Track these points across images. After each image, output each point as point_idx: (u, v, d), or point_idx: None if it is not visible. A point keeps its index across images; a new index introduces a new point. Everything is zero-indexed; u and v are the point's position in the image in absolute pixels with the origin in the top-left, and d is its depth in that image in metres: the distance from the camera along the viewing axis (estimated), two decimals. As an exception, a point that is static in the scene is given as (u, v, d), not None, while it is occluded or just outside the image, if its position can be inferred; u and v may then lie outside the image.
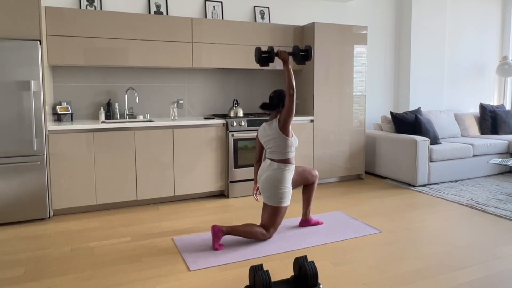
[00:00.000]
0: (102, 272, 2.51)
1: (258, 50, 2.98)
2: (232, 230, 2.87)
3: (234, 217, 3.60)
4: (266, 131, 2.99)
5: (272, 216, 2.94)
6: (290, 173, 2.97)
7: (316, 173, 3.27)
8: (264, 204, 3.00)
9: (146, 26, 3.97)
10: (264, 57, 2.98)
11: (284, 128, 2.90)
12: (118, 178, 3.77)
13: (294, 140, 2.97)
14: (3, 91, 3.27)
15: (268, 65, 3.06)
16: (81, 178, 3.64)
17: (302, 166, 3.23)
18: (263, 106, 2.98)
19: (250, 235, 2.91)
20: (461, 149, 4.86)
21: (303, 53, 2.97)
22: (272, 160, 2.97)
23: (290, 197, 3.00)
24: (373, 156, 5.20)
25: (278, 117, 2.96)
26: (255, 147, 3.28)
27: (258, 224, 3.10)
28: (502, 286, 2.31)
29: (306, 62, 3.12)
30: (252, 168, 4.27)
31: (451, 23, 6.19)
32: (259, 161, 3.17)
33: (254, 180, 3.20)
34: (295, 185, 3.13)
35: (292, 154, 2.97)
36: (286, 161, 2.95)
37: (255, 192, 3.20)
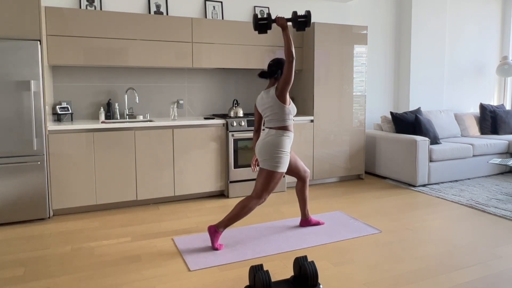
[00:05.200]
0: (102, 272, 2.51)
1: (255, 17, 2.90)
2: (228, 221, 2.85)
3: (234, 217, 3.60)
4: (263, 100, 2.93)
5: (267, 180, 2.86)
6: (288, 140, 2.90)
7: (308, 171, 3.27)
8: (260, 169, 2.92)
9: (146, 26, 3.97)
10: (261, 24, 2.90)
11: (281, 96, 2.84)
12: (118, 178, 3.77)
13: (291, 107, 2.92)
14: (3, 91, 3.27)
15: (266, 32, 2.97)
16: (81, 178, 3.64)
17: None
18: (262, 74, 2.94)
19: (245, 211, 2.85)
20: (461, 149, 4.86)
21: (301, 19, 2.87)
22: (270, 128, 2.92)
23: (287, 165, 2.92)
24: (373, 156, 5.20)
25: (276, 85, 2.90)
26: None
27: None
28: (502, 286, 2.31)
29: (306, 29, 2.99)
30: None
31: (451, 23, 6.19)
32: (258, 130, 3.12)
33: (252, 147, 3.09)
34: (287, 172, 3.11)
35: (290, 122, 2.92)
36: (284, 128, 2.89)
37: (253, 163, 3.15)
